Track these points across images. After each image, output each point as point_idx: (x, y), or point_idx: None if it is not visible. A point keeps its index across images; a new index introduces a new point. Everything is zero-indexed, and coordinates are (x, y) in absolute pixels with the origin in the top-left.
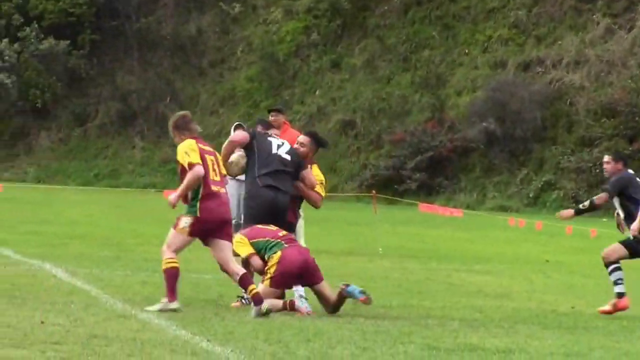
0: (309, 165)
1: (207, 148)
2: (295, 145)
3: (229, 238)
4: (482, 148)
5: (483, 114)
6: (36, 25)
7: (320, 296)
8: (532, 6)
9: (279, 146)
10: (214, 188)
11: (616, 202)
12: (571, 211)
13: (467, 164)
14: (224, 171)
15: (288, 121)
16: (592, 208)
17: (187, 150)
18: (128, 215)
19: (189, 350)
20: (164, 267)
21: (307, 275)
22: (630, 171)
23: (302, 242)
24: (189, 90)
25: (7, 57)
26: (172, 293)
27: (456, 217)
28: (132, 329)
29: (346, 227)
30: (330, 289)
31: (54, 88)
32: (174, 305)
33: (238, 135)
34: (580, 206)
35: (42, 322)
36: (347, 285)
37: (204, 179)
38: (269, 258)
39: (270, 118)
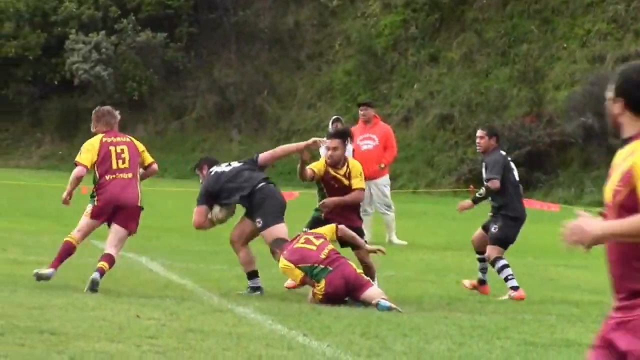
0: (347, 162)
1: (118, 139)
2: (329, 153)
3: (123, 223)
4: (580, 142)
5: (581, 109)
6: (133, 18)
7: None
8: (631, 0)
9: (227, 165)
10: (108, 177)
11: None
12: (469, 201)
13: (565, 158)
14: (148, 159)
15: (379, 114)
16: (489, 194)
17: (82, 150)
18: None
19: (285, 344)
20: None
21: (353, 291)
22: (502, 152)
23: (393, 235)
24: (286, 84)
25: (104, 50)
26: (56, 262)
27: (553, 212)
28: (228, 324)
29: (443, 222)
30: (375, 293)
31: (151, 81)
32: (49, 271)
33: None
34: (477, 195)
35: (138, 316)
36: (378, 304)
37: (99, 170)
38: (316, 283)
39: (360, 112)
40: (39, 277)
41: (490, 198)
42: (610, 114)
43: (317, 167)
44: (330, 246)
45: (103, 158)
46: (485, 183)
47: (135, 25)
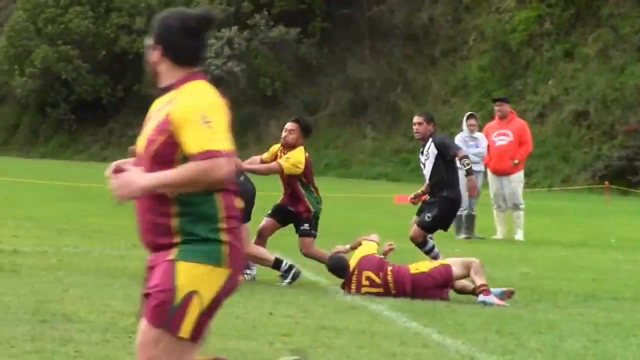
0: (295, 148)
1: None
2: (284, 134)
3: None
4: None
5: None
6: (266, 13)
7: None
8: None
9: None
10: None
11: (431, 166)
12: (472, 180)
13: None
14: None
15: (515, 110)
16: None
17: None
18: (359, 205)
19: (419, 342)
20: None
21: (442, 286)
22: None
23: (519, 233)
24: (420, 80)
25: (236, 45)
26: None
27: None
28: (362, 321)
29: (579, 219)
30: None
31: (284, 76)
32: None
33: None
34: (467, 169)
35: (271, 314)
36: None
37: None
38: None
39: (495, 108)
40: None
41: (430, 181)
42: (149, 62)
43: (271, 151)
44: (390, 267)
45: None
46: (460, 161)
47: (268, 20)
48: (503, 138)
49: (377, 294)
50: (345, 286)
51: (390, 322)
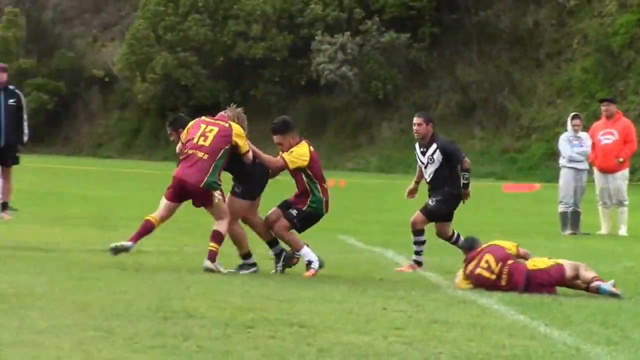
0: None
1: (215, 120)
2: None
3: (201, 205)
4: None
5: None
6: (377, 19)
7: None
8: None
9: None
10: (189, 151)
11: (434, 169)
12: (466, 192)
13: None
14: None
15: (621, 110)
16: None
17: None
18: (469, 204)
19: (527, 334)
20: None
21: (555, 284)
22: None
23: (623, 228)
24: (526, 82)
25: (349, 50)
26: (135, 237)
27: None
28: (472, 314)
29: None
30: (586, 274)
31: (395, 80)
32: (128, 244)
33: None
34: (465, 181)
35: (384, 309)
36: (599, 288)
37: (184, 144)
38: None
39: (602, 108)
40: (117, 250)
41: (432, 181)
42: None
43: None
44: (510, 261)
45: (191, 132)
46: (461, 166)
47: (380, 26)
48: (609, 137)
49: (487, 280)
50: (465, 262)
51: (498, 315)
